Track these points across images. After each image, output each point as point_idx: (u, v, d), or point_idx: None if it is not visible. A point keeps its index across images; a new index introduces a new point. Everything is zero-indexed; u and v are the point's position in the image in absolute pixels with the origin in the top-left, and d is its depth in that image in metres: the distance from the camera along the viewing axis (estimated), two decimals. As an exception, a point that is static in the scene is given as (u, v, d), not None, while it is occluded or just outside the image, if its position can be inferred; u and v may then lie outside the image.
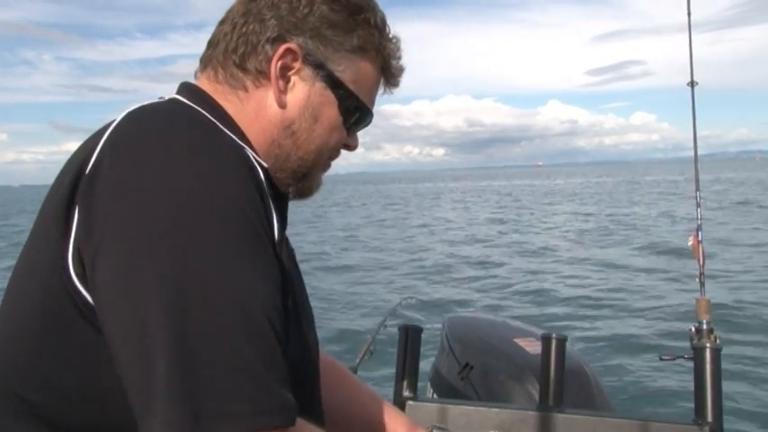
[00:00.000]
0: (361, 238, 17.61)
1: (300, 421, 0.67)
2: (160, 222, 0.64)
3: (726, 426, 1.46)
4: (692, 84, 1.93)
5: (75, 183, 0.70)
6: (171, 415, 0.59)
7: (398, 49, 0.92)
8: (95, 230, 0.66)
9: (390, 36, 0.91)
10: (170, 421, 0.59)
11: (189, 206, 0.65)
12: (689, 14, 1.87)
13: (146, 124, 0.74)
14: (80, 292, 0.68)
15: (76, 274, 0.68)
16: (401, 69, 0.93)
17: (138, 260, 0.63)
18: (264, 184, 0.75)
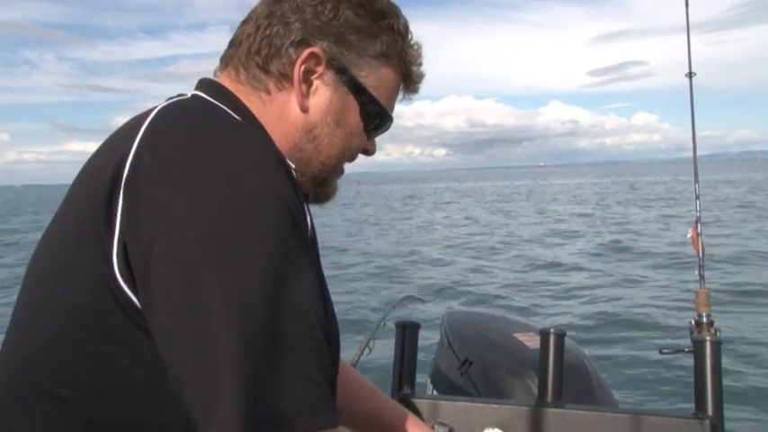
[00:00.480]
0: (362, 235, 17.62)
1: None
2: (214, 224, 0.65)
3: (726, 419, 1.45)
4: (690, 75, 1.93)
5: (113, 184, 0.69)
6: (236, 418, 0.60)
7: (420, 55, 0.92)
8: (144, 232, 0.66)
9: (412, 42, 0.91)
10: (232, 421, 0.60)
11: (240, 209, 0.66)
12: (687, 4, 1.88)
13: (181, 121, 0.74)
14: (125, 293, 0.68)
15: (122, 275, 0.67)
16: (421, 76, 0.94)
17: (197, 263, 0.63)
18: (297, 181, 0.76)
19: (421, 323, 1.78)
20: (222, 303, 0.62)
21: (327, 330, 0.75)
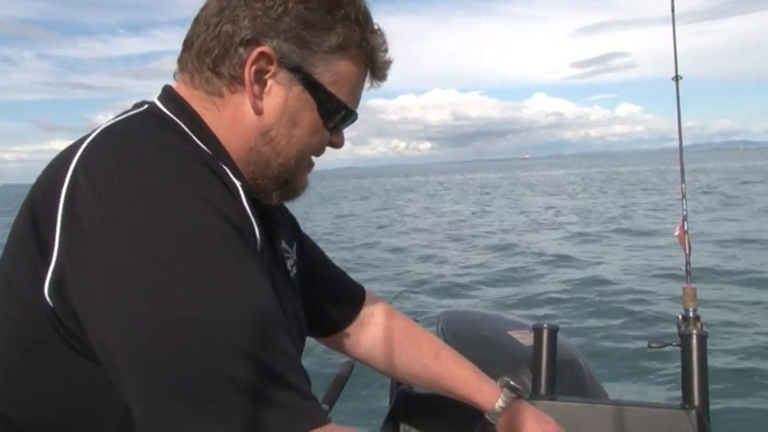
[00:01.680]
0: (351, 231, 17.59)
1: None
2: (154, 251, 0.64)
3: (712, 409, 1.51)
4: (677, 78, 1.96)
5: (49, 206, 0.69)
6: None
7: (384, 41, 0.89)
8: (81, 261, 0.66)
9: (375, 29, 0.88)
10: None
11: (179, 231, 0.66)
12: (672, 10, 1.91)
13: (117, 148, 0.72)
14: (57, 315, 0.68)
15: (52, 298, 0.68)
16: (388, 62, 0.91)
17: (132, 290, 0.63)
18: (243, 199, 0.76)
19: (418, 318, 1.81)
20: (165, 328, 0.62)
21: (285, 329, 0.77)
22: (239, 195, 0.76)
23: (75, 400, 0.71)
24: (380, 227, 18.33)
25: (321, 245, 1.25)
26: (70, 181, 0.69)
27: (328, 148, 0.93)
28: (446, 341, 2.40)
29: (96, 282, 0.65)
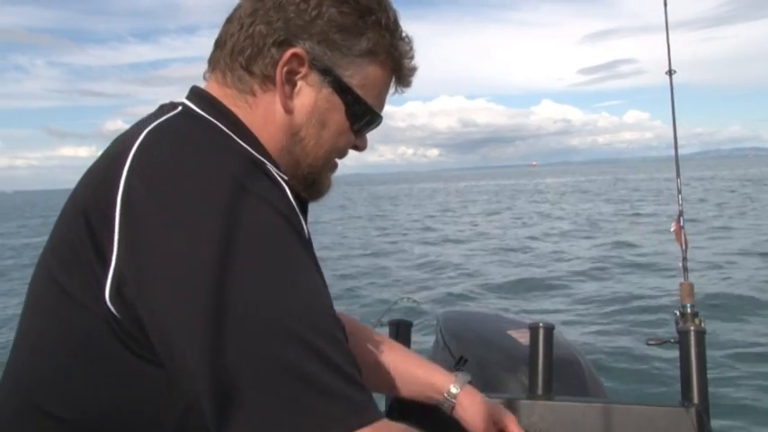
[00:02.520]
0: (356, 237, 17.62)
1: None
2: (217, 254, 0.65)
3: (711, 406, 1.49)
4: (671, 72, 1.98)
5: (102, 211, 0.69)
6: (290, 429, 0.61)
7: (411, 48, 0.90)
8: (144, 264, 0.66)
9: (403, 35, 0.89)
10: None
11: (237, 234, 0.66)
12: (665, 4, 1.93)
13: (172, 149, 0.73)
14: (117, 319, 0.68)
15: (113, 303, 0.68)
16: (413, 69, 0.92)
17: (202, 295, 0.63)
18: (291, 198, 0.76)
19: (416, 323, 1.81)
20: (234, 328, 0.62)
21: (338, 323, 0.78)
22: (287, 193, 0.76)
23: (134, 404, 0.72)
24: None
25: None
26: (125, 186, 0.69)
27: (351, 151, 0.95)
28: (445, 341, 2.40)
29: (161, 284, 0.65)
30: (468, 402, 1.15)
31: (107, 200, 0.69)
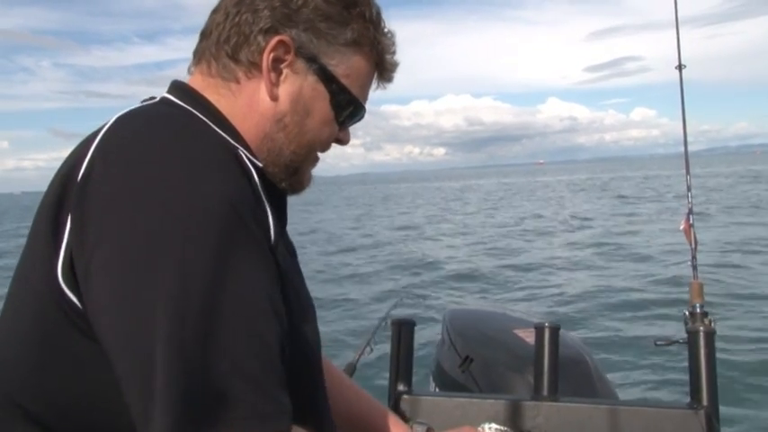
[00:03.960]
0: (359, 235, 17.65)
1: (295, 427, 0.68)
2: (156, 232, 0.64)
3: (721, 408, 1.47)
4: (680, 67, 1.95)
5: (64, 191, 0.70)
6: (170, 420, 0.60)
7: (393, 43, 0.91)
8: (88, 241, 0.66)
9: (385, 30, 0.90)
10: (169, 426, 0.60)
11: (183, 215, 0.65)
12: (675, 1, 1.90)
13: (136, 131, 0.73)
14: (70, 301, 0.68)
15: (66, 284, 0.68)
16: (395, 64, 0.92)
17: (136, 270, 0.63)
18: (258, 185, 0.75)
19: (420, 320, 1.79)
20: (158, 309, 0.62)
21: (296, 334, 0.76)
22: (255, 180, 0.75)
23: (93, 390, 0.70)
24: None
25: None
26: (87, 165, 0.69)
27: (346, 152, 0.94)
28: (452, 340, 2.39)
29: (97, 261, 0.65)
30: None
31: (70, 181, 0.69)
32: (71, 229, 0.67)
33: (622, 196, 29.31)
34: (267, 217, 0.74)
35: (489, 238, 15.52)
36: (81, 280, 0.66)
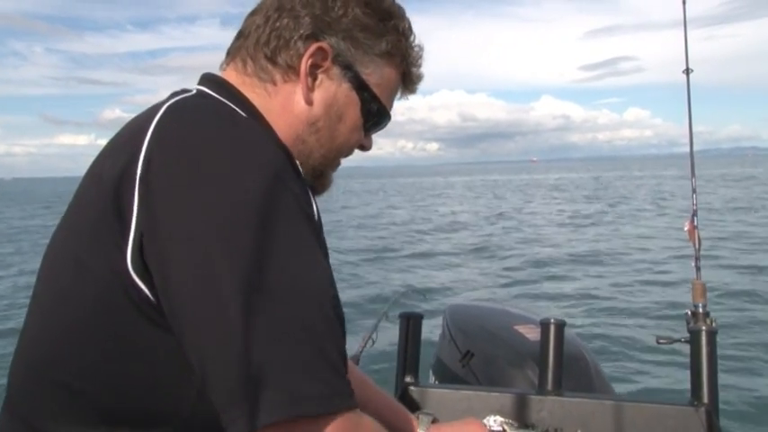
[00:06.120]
0: (361, 229, 17.64)
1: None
2: (228, 218, 0.67)
3: (721, 406, 1.50)
4: (687, 71, 1.96)
5: (122, 182, 0.71)
6: (271, 400, 0.63)
7: (420, 57, 0.95)
8: (160, 230, 0.68)
9: (415, 44, 0.93)
10: (270, 405, 0.62)
11: (253, 200, 0.68)
12: (684, 2, 1.89)
13: (191, 120, 0.75)
14: (138, 288, 0.69)
15: (135, 271, 0.69)
16: (420, 77, 0.97)
17: (214, 257, 0.65)
18: (302, 173, 0.79)
19: (424, 314, 1.81)
20: (240, 294, 0.64)
21: (338, 311, 0.78)
22: (299, 171, 0.78)
23: (157, 377, 0.72)
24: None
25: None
26: (146, 154, 0.71)
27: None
28: (452, 335, 2.41)
29: (171, 248, 0.67)
30: None
31: (129, 169, 0.71)
32: (139, 219, 0.69)
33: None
34: (315, 211, 0.78)
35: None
36: (153, 269, 0.69)
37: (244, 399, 0.63)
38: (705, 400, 1.46)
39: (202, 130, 0.73)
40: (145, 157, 0.71)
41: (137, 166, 0.70)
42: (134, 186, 0.70)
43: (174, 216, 0.67)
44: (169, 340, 0.69)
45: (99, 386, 0.73)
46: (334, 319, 0.70)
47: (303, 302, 0.67)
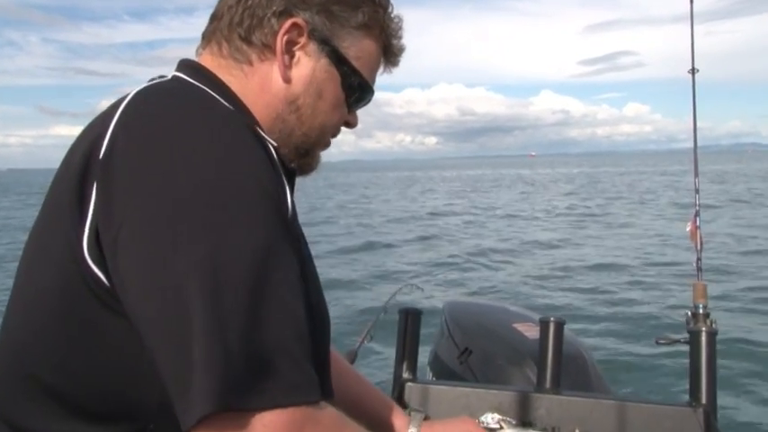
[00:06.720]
0: (360, 223, 17.62)
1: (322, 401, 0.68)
2: (183, 202, 0.65)
3: (719, 408, 1.50)
4: (693, 71, 1.95)
5: (86, 166, 0.69)
6: (212, 387, 0.60)
7: (400, 28, 0.92)
8: (115, 215, 0.66)
9: (393, 15, 0.91)
10: (206, 396, 0.60)
11: (210, 185, 0.66)
12: (691, 1, 1.88)
13: (157, 105, 0.74)
14: (96, 276, 0.68)
15: (92, 259, 0.68)
16: (402, 49, 0.94)
17: (167, 243, 0.63)
18: (276, 160, 0.76)
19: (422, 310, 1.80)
20: (191, 282, 0.62)
21: (314, 307, 0.77)
22: (272, 155, 0.76)
23: (121, 366, 0.70)
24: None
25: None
26: (110, 139, 0.69)
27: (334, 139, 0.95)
28: (450, 331, 2.40)
29: (125, 235, 0.65)
30: None
31: (93, 154, 0.69)
32: (96, 203, 0.67)
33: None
34: (285, 191, 0.75)
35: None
36: (108, 254, 0.66)
37: (188, 389, 0.60)
38: (703, 400, 1.46)
39: (168, 114, 0.71)
40: (109, 141, 0.69)
41: (99, 151, 0.69)
42: (93, 172, 0.68)
43: (129, 202, 0.65)
44: (132, 330, 0.67)
45: (70, 379, 0.71)
46: (296, 313, 0.67)
47: (261, 293, 0.64)
